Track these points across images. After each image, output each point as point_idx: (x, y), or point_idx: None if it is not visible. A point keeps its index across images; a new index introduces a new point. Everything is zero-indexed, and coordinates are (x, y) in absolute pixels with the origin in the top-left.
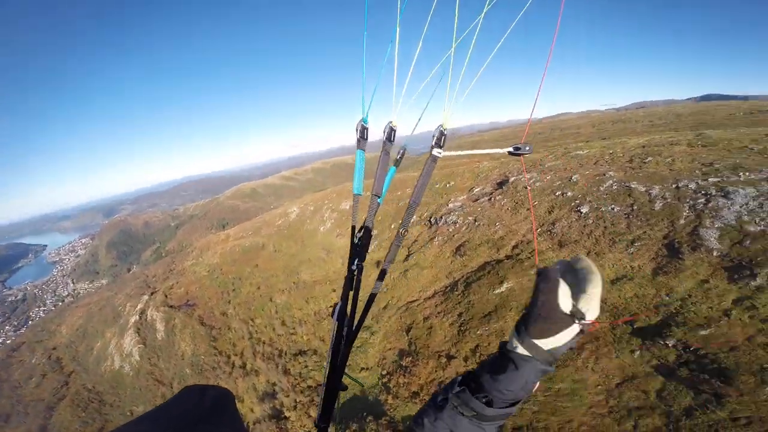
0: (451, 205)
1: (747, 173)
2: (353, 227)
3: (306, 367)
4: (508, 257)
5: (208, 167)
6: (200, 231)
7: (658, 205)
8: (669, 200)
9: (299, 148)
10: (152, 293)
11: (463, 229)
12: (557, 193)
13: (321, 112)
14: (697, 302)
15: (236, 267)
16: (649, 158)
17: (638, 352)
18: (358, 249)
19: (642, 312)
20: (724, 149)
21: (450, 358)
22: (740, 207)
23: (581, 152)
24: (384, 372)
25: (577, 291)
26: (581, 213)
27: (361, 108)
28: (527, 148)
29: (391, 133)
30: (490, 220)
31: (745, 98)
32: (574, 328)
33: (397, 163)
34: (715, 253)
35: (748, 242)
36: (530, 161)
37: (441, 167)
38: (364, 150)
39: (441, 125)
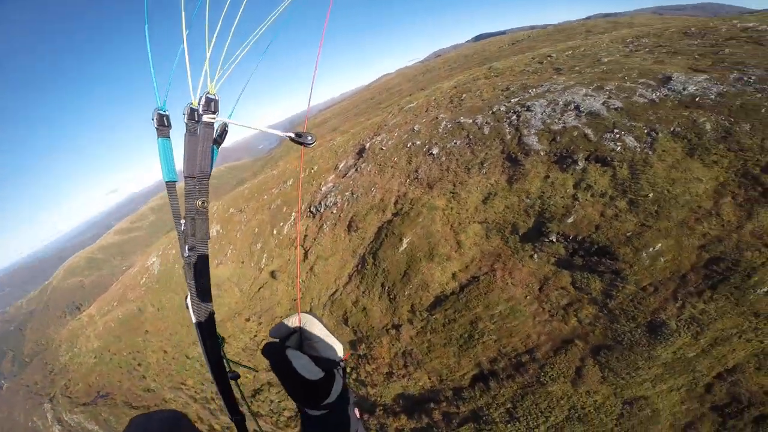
0: (324, 189)
1: (534, 89)
2: (175, 218)
3: (272, 402)
4: (395, 214)
5: (14, 254)
6: (53, 322)
7: (486, 130)
8: (492, 123)
9: (122, 192)
10: (51, 398)
11: (346, 205)
12: (408, 145)
13: (127, 143)
14: (551, 196)
15: (125, 341)
16: (464, 95)
17: (535, 256)
18: (186, 237)
19: (515, 218)
20: (510, 75)
21: (397, 327)
22: (541, 114)
23: (412, 105)
24: (348, 369)
25: (308, 345)
26: (434, 155)
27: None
28: (309, 138)
29: (210, 104)
30: (365, 188)
31: (503, 32)
32: (338, 376)
33: (217, 142)
34: (542, 153)
35: (558, 138)
36: (375, 124)
37: (298, 155)
38: (168, 137)
39: (207, 91)
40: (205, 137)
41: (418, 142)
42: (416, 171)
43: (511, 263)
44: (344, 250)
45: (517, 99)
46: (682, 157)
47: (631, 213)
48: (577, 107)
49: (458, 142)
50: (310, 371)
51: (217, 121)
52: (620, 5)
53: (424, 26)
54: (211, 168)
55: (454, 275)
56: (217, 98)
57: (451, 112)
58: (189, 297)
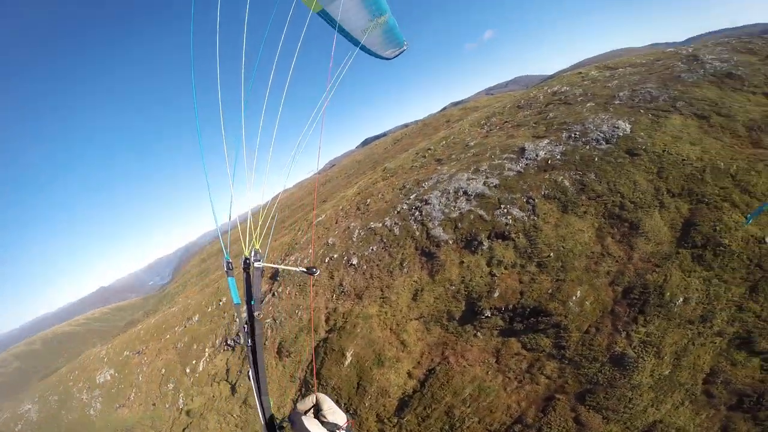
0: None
1: (426, 183)
2: (240, 327)
3: None
4: (329, 331)
5: None
6: None
7: (396, 231)
8: (400, 223)
9: None
10: None
11: (270, 332)
12: (326, 260)
13: None
14: (472, 278)
15: None
16: (368, 200)
17: (479, 333)
18: (247, 336)
19: (447, 306)
20: (403, 173)
21: None
22: (439, 205)
23: (320, 218)
24: None
25: (320, 414)
26: (354, 265)
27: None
28: (314, 270)
29: (257, 254)
30: (288, 312)
31: (385, 134)
32: None
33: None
34: (450, 242)
35: (459, 225)
36: (285, 245)
37: (200, 288)
38: (233, 276)
39: (254, 246)
40: (256, 275)
41: (335, 256)
42: (341, 284)
43: (459, 347)
44: (280, 377)
45: (414, 195)
46: (560, 215)
47: (543, 273)
48: (465, 192)
49: (374, 248)
50: (318, 429)
51: (262, 265)
52: (462, 93)
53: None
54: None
55: (409, 374)
56: (261, 251)
57: (361, 219)
58: (251, 371)
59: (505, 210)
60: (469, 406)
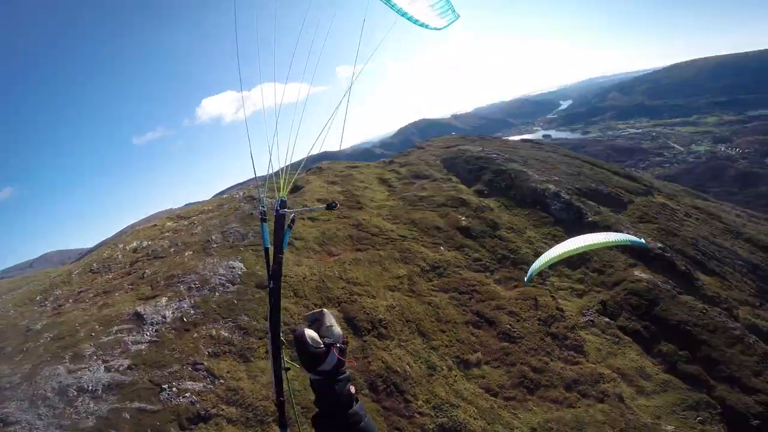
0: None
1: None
2: (267, 264)
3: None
4: None
5: None
6: None
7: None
8: None
9: None
10: None
11: None
12: None
13: None
14: None
15: None
16: None
17: None
18: (271, 276)
19: None
20: None
21: None
22: (42, 419)
23: None
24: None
25: (320, 328)
26: None
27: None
28: (334, 205)
29: (283, 203)
30: None
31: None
32: (332, 352)
33: (290, 227)
34: None
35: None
36: None
37: None
38: (266, 222)
39: (282, 196)
40: (282, 221)
41: None
42: None
43: None
44: None
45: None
46: (246, 365)
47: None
48: (83, 389)
49: None
50: (315, 342)
51: (288, 212)
52: None
53: None
54: (285, 241)
55: None
56: (287, 199)
57: None
58: (268, 313)
59: (175, 389)
60: None
